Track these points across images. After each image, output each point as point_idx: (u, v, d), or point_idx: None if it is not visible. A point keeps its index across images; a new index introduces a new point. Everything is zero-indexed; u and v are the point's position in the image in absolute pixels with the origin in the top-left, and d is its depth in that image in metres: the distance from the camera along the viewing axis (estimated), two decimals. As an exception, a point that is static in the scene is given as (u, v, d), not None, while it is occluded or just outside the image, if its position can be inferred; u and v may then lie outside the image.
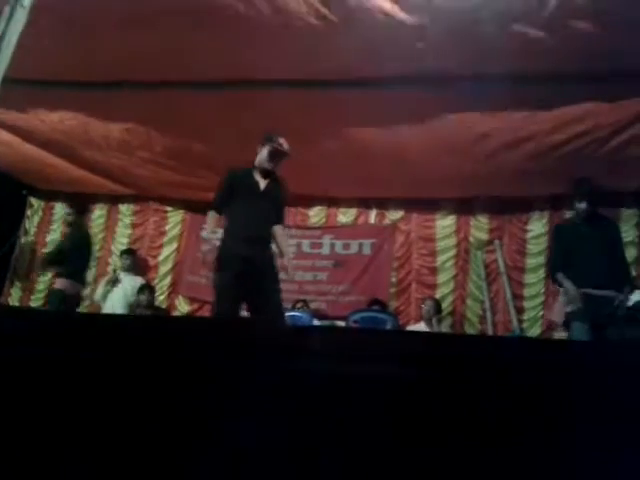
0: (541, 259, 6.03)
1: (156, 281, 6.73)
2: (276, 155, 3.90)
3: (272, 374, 1.56)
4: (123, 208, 7.11)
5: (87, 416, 1.49)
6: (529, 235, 6.13)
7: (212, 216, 3.94)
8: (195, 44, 4.35)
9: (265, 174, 3.92)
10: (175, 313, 6.65)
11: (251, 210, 3.80)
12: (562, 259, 3.98)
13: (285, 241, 4.03)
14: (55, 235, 7.16)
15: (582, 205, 3.94)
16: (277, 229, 3.93)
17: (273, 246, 3.98)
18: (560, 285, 3.96)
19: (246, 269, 3.64)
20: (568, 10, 3.71)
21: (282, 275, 3.94)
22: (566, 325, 3.97)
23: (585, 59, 4.16)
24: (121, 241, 7.01)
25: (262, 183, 3.91)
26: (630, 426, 1.50)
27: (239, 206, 3.83)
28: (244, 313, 3.94)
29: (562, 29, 3.86)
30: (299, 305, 5.98)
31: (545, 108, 4.64)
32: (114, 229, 7.11)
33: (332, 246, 6.59)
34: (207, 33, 4.22)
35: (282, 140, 3.91)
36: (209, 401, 1.52)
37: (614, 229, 4.10)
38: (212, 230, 3.89)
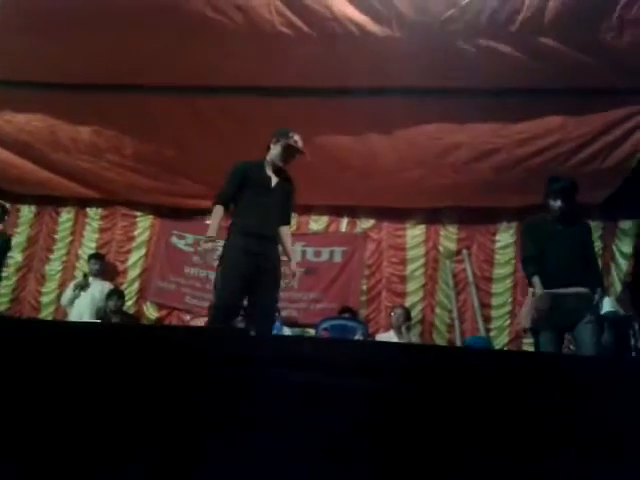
0: (509, 269, 6.11)
1: (124, 286, 6.63)
2: (290, 152, 3.66)
3: (243, 383, 1.55)
4: (91, 212, 6.98)
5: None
6: (497, 245, 6.20)
7: (218, 212, 3.59)
8: (167, 49, 4.34)
9: (276, 171, 3.69)
10: (143, 319, 6.54)
11: (262, 206, 3.57)
12: (535, 257, 3.83)
13: (291, 244, 3.81)
14: (21, 238, 7.02)
15: (557, 203, 3.76)
16: (285, 230, 3.73)
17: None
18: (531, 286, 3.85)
19: (254, 269, 3.45)
20: (535, 27, 3.81)
21: (289, 281, 3.84)
22: (533, 331, 3.89)
23: (551, 74, 4.26)
24: (89, 245, 6.88)
25: (274, 179, 3.68)
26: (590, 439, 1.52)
27: (249, 200, 3.58)
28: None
29: (529, 45, 3.96)
30: (270, 312, 5.94)
31: (513, 121, 4.73)
32: (82, 233, 6.97)
33: (303, 253, 6.56)
34: (179, 39, 4.22)
35: (297, 137, 3.65)
36: (183, 411, 1.51)
37: (586, 229, 3.98)
38: (216, 229, 3.54)
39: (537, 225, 3.96)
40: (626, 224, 5.78)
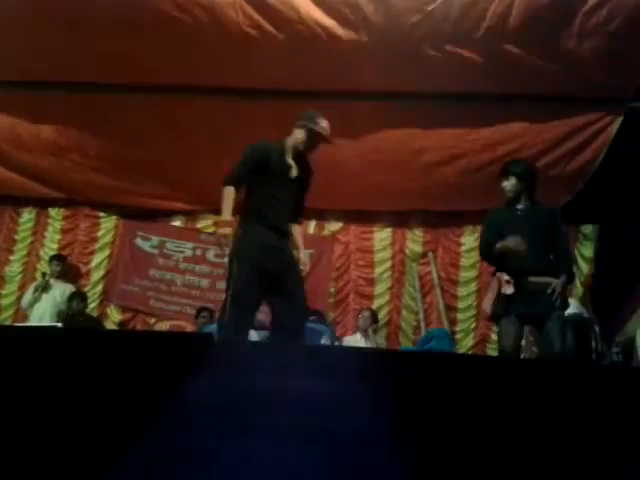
0: (474, 272, 6.19)
1: (87, 289, 6.50)
2: (316, 139, 3.31)
3: (207, 388, 1.54)
4: (53, 212, 6.81)
5: None
6: (462, 248, 6.27)
7: (230, 194, 3.13)
8: (131, 48, 4.28)
9: (297, 157, 3.32)
10: (107, 322, 6.43)
11: (279, 197, 3.21)
12: (490, 243, 3.51)
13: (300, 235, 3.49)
14: (-21, 237, 6.84)
15: (510, 181, 3.46)
16: (297, 226, 3.45)
17: None
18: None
19: (271, 265, 3.12)
20: (499, 34, 3.87)
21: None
22: (496, 318, 3.58)
23: (515, 81, 4.33)
24: (50, 246, 6.71)
25: (294, 169, 3.29)
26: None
27: (267, 189, 3.20)
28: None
29: (493, 51, 4.02)
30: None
31: (477, 126, 4.80)
32: (43, 234, 6.81)
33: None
34: (143, 38, 4.17)
35: (325, 123, 3.30)
36: (140, 415, 1.49)
37: (550, 213, 3.63)
38: (231, 213, 3.12)
39: (496, 213, 3.68)
40: (587, 228, 5.91)
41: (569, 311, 4.88)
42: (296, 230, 3.43)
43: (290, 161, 3.29)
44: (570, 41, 3.97)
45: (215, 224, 3.29)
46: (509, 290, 3.37)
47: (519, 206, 3.54)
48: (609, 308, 5.37)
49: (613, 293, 5.39)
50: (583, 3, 3.80)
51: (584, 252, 5.92)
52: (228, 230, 3.10)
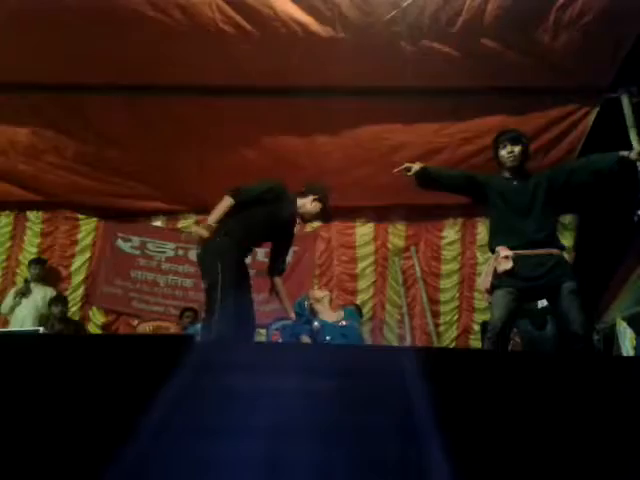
0: (455, 265, 6.25)
1: (68, 292, 6.43)
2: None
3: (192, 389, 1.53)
4: (32, 215, 6.71)
5: None
6: (444, 242, 6.33)
7: (228, 202, 3.35)
8: (104, 47, 4.23)
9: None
10: (89, 325, 6.37)
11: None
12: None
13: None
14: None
15: (507, 148, 3.23)
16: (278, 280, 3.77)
17: None
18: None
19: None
20: (475, 29, 3.89)
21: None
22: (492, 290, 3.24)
23: (493, 74, 4.36)
24: (30, 250, 6.63)
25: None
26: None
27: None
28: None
29: (470, 46, 4.04)
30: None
31: (455, 120, 4.82)
32: (22, 237, 6.72)
33: (254, 254, 6.52)
34: (119, 38, 4.12)
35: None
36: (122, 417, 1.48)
37: (545, 181, 3.29)
38: (218, 218, 3.30)
39: (492, 180, 3.37)
40: (566, 218, 5.97)
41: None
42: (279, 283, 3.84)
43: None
44: (545, 35, 4.00)
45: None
46: (507, 266, 3.10)
47: (516, 176, 3.30)
48: (589, 296, 5.43)
49: (593, 281, 5.45)
50: (557, -3, 3.84)
51: (564, 242, 5.94)
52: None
